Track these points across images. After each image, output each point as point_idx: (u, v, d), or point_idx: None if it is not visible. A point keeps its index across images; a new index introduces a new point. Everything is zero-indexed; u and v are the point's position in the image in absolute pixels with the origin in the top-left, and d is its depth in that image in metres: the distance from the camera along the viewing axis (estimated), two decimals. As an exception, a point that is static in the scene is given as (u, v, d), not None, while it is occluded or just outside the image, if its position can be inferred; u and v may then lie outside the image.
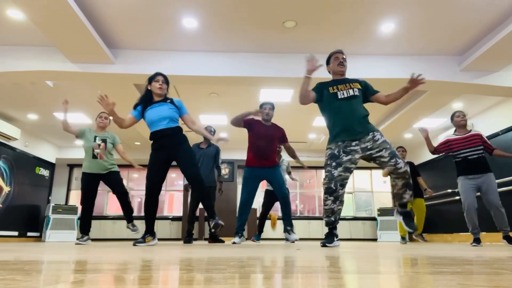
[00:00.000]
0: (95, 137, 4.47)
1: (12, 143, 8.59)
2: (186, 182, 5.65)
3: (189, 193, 5.38)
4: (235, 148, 10.77)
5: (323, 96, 3.22)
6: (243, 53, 5.44)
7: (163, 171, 3.58)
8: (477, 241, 4.26)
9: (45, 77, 5.44)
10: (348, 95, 3.15)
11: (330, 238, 3.11)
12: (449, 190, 8.52)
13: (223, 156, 9.20)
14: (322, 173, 11.71)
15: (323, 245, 3.06)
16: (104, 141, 4.49)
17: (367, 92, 3.29)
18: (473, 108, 7.54)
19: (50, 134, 9.42)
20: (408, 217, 3.13)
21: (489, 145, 4.37)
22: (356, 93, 3.17)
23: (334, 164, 3.04)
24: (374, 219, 10.79)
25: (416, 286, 0.66)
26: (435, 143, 9.25)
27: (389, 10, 4.47)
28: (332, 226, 3.12)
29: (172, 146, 3.55)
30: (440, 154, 9.05)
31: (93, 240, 10.30)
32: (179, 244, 4.54)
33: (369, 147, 3.03)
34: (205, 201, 3.62)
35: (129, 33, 4.96)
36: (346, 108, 3.11)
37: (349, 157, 3.03)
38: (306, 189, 11.86)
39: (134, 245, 3.46)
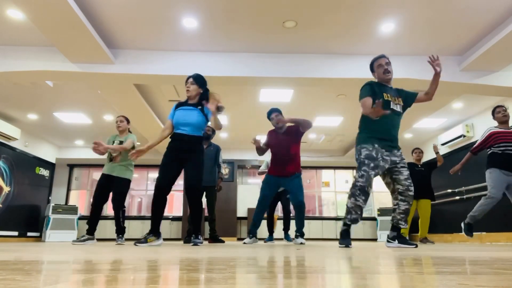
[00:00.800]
0: (113, 141, 4.56)
1: (12, 143, 8.59)
2: None
3: None
4: (235, 148, 10.78)
5: (377, 96, 3.10)
6: (243, 53, 5.44)
7: (175, 172, 3.54)
8: (470, 228, 4.26)
9: (45, 77, 5.44)
10: (397, 109, 3.15)
11: (348, 238, 3.10)
12: (449, 190, 8.52)
13: (223, 156, 9.19)
14: (323, 173, 11.71)
15: (346, 246, 3.06)
16: (120, 143, 4.54)
17: (407, 100, 3.26)
18: (473, 108, 7.54)
19: (50, 134, 9.42)
20: (403, 238, 3.10)
21: None
22: (401, 110, 3.18)
23: (372, 165, 3.01)
24: (374, 219, 10.80)
25: (416, 286, 0.66)
26: (435, 142, 9.26)
27: (389, 10, 4.47)
28: (351, 225, 3.11)
29: (187, 151, 3.52)
30: (440, 154, 9.06)
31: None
32: (179, 244, 4.55)
33: (397, 161, 3.07)
34: (196, 213, 3.58)
35: (129, 33, 4.96)
36: (394, 120, 3.12)
37: (383, 163, 3.04)
38: (306, 189, 11.84)
39: (135, 244, 3.44)
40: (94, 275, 0.84)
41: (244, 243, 4.38)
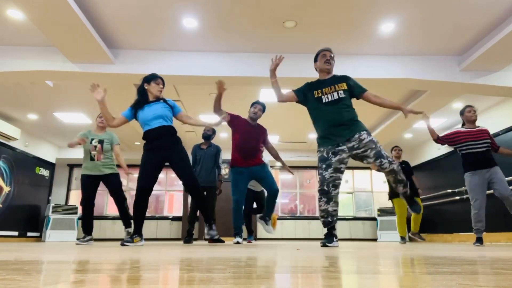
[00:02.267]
0: (92, 139, 4.45)
1: (12, 143, 8.59)
2: None
3: None
4: (235, 148, 10.76)
5: (308, 98, 3.26)
6: (243, 53, 5.44)
7: (156, 172, 3.53)
8: (479, 240, 4.25)
9: (45, 77, 5.44)
10: (333, 98, 3.15)
11: (329, 238, 3.14)
12: (449, 190, 8.52)
13: (223, 156, 9.20)
14: (322, 173, 11.71)
15: (323, 245, 3.09)
16: (101, 142, 4.45)
17: (354, 91, 3.28)
18: (473, 108, 7.54)
19: (50, 134, 9.43)
20: (413, 201, 3.30)
21: (494, 143, 4.41)
22: (342, 95, 3.16)
23: (324, 166, 3.11)
24: (374, 219, 10.80)
25: (416, 286, 0.66)
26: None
27: (389, 10, 4.47)
28: (330, 227, 3.15)
29: (167, 147, 3.51)
30: (440, 153, 9.07)
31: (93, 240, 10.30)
32: (179, 244, 4.55)
33: (355, 146, 3.08)
34: (202, 206, 3.60)
35: (129, 33, 4.96)
36: (331, 113, 3.13)
37: (337, 157, 3.08)
38: (306, 189, 11.86)
39: (122, 244, 3.44)
40: (94, 275, 0.84)
41: (238, 242, 4.38)
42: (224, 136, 9.59)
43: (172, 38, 5.07)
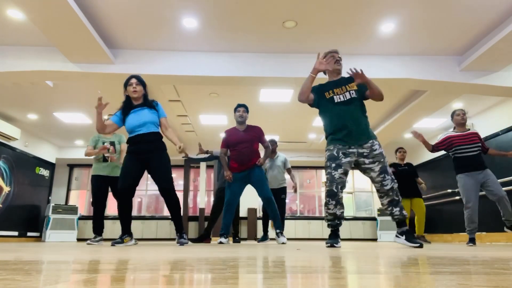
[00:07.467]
0: (103, 142, 4.56)
1: (12, 143, 8.59)
2: (207, 149, 5.51)
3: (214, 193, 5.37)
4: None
5: (319, 100, 3.12)
6: (243, 53, 5.44)
7: (138, 175, 3.52)
8: (472, 241, 4.29)
9: (45, 77, 5.45)
10: (345, 98, 3.03)
11: (335, 238, 3.07)
12: (449, 190, 8.52)
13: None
14: (322, 173, 11.70)
15: (331, 245, 3.00)
16: (112, 143, 4.57)
17: (363, 89, 3.12)
18: (473, 108, 7.54)
19: (50, 134, 9.43)
20: (410, 234, 2.98)
21: (484, 145, 4.46)
22: (354, 95, 3.05)
23: (334, 165, 2.95)
24: (374, 219, 10.80)
25: (416, 286, 0.66)
26: (434, 142, 9.29)
27: (389, 10, 4.47)
28: (336, 228, 3.10)
29: (150, 152, 3.50)
30: (440, 154, 9.07)
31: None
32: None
33: (365, 154, 2.96)
34: (173, 215, 3.58)
35: (129, 33, 4.96)
36: (345, 112, 3.01)
37: (347, 159, 2.96)
38: (306, 189, 11.85)
39: (112, 245, 3.46)
40: (94, 275, 0.84)
41: (221, 242, 4.30)
42: (224, 136, 9.58)
43: (172, 38, 5.07)
